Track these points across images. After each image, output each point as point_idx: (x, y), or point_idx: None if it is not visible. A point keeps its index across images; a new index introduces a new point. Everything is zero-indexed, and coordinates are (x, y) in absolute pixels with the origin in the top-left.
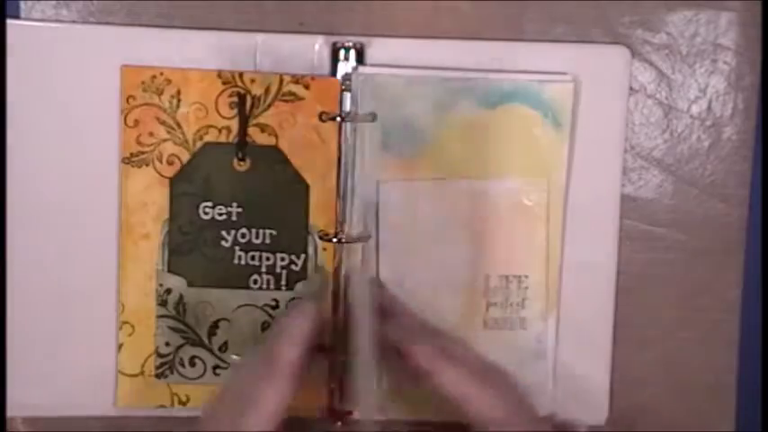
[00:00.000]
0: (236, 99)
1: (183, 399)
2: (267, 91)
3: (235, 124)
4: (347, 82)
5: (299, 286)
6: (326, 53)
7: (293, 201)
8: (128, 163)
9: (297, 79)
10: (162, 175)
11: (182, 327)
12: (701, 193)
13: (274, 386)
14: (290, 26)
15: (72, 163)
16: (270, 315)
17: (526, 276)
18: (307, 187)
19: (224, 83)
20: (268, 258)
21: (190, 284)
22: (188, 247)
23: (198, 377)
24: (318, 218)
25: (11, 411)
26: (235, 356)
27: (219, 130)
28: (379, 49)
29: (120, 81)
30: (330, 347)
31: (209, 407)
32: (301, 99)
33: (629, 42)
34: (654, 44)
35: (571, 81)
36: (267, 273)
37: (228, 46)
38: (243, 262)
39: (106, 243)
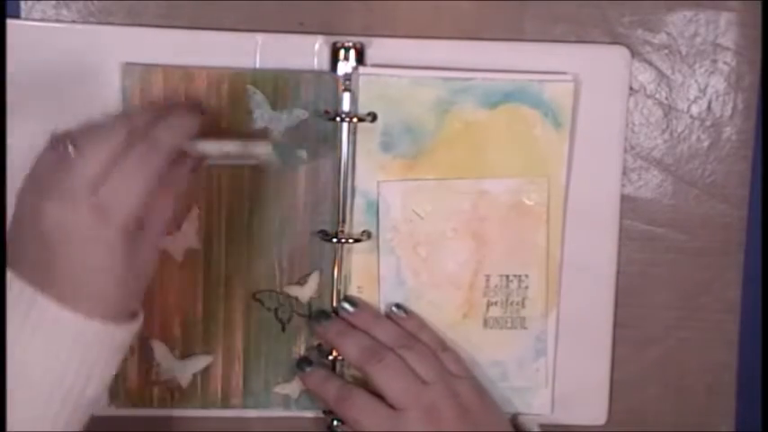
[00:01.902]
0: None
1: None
2: None
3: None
4: (347, 82)
5: None
6: (326, 53)
7: None
8: None
9: None
10: None
11: None
12: (700, 193)
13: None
14: (290, 26)
15: None
16: None
17: (526, 276)
18: None
19: None
20: None
21: None
22: None
23: None
24: None
25: None
26: None
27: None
28: (379, 49)
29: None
30: None
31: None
32: None
33: (629, 42)
34: (654, 44)
35: (571, 81)
36: None
37: (228, 46)
38: None
39: None
